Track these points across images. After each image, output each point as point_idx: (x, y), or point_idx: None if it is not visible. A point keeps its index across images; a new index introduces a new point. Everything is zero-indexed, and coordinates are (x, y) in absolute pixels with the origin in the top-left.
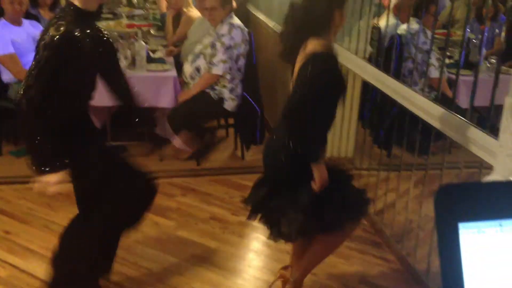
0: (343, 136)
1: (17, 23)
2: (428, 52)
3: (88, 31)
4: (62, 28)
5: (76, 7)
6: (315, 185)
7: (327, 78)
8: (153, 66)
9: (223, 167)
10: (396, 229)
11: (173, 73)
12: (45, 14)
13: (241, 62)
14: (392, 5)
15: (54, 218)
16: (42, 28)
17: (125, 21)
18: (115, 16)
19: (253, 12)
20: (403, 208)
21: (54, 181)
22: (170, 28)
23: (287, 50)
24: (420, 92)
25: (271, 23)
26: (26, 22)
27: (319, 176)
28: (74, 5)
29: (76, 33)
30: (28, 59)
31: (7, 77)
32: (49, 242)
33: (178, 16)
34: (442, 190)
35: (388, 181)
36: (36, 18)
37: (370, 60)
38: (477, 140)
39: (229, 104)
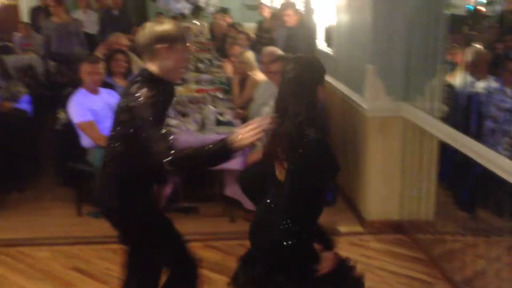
0: (422, 198)
1: (95, 92)
2: (510, 111)
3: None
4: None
5: (151, 73)
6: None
7: (322, 165)
8: (221, 128)
9: None
10: None
11: None
12: (120, 82)
13: None
14: (465, 62)
15: None
16: (117, 96)
17: (193, 86)
18: (184, 81)
19: None
20: (495, 276)
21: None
22: (236, 91)
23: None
24: (505, 153)
25: (338, 85)
26: (103, 91)
27: (328, 265)
28: (150, 72)
29: (154, 95)
30: (105, 125)
31: (86, 142)
32: None
33: (243, 79)
34: None
35: (476, 246)
36: (111, 86)
37: (445, 119)
38: None
39: None
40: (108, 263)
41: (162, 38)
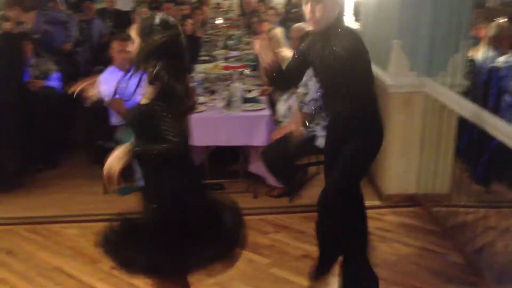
0: (438, 171)
1: (125, 69)
2: None
3: None
4: None
5: None
6: None
7: None
8: (248, 105)
9: (315, 204)
10: (497, 269)
11: (267, 112)
12: None
13: None
14: (488, 37)
15: None
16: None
17: (221, 63)
18: (212, 58)
19: None
20: (504, 247)
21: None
22: None
23: None
24: None
25: None
26: (132, 68)
27: None
28: None
29: None
30: (133, 102)
31: (115, 120)
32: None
33: None
34: None
35: (487, 218)
36: None
37: (465, 94)
38: None
39: (321, 142)
40: None
41: None
